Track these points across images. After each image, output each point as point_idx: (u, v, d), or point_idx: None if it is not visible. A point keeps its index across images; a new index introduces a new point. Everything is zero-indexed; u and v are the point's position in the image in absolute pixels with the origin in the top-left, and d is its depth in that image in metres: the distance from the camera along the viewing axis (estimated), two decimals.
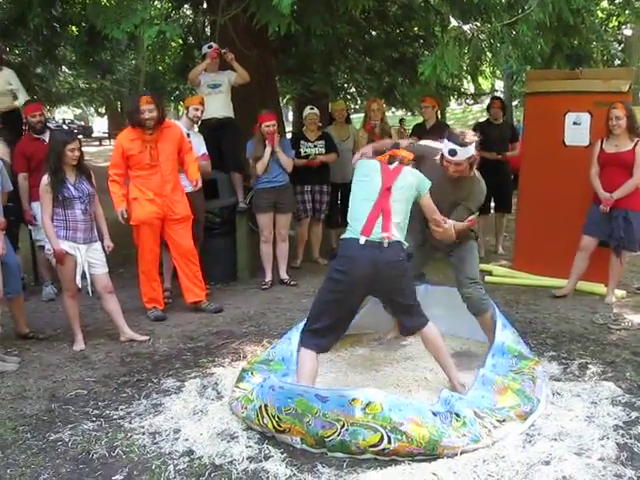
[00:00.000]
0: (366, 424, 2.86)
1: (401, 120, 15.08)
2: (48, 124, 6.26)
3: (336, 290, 3.33)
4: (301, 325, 3.60)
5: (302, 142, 6.43)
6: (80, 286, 4.45)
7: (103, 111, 29.05)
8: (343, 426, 2.88)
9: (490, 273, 6.13)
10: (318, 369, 3.41)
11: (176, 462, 2.92)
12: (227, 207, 6.22)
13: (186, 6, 10.12)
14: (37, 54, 10.13)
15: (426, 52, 8.97)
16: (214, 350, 4.40)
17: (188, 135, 5.50)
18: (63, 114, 33.63)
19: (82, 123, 34.52)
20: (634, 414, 3.25)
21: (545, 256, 5.82)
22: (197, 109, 5.68)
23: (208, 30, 9.23)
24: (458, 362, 3.77)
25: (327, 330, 3.36)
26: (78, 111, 33.24)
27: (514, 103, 21.29)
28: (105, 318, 4.88)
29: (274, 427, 3.03)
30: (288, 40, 7.99)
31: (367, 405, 2.90)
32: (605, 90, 5.49)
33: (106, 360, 4.27)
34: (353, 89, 13.43)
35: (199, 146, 5.71)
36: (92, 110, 29.82)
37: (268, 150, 5.77)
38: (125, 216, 4.98)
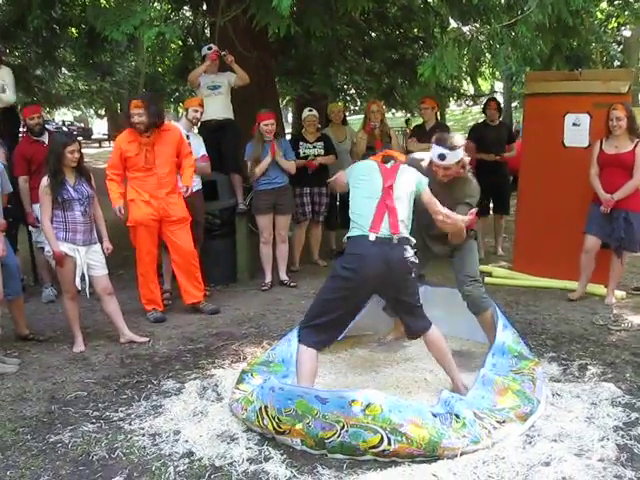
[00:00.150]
0: (366, 425, 2.86)
1: (407, 120, 15.10)
2: (47, 126, 6.25)
3: (343, 288, 3.29)
4: None
5: (301, 143, 6.43)
6: (80, 288, 4.45)
7: (103, 113, 29.03)
8: (343, 427, 2.88)
9: (490, 274, 6.13)
10: (318, 370, 3.41)
11: (176, 464, 2.92)
12: (227, 208, 6.22)
13: (186, 7, 10.15)
14: (37, 56, 10.15)
15: (425, 53, 8.99)
16: (214, 351, 4.40)
17: (187, 137, 5.51)
18: (63, 116, 33.63)
19: (82, 125, 34.54)
20: (634, 415, 3.25)
21: (545, 257, 5.83)
22: (196, 110, 5.67)
23: (208, 32, 9.25)
24: (458, 363, 3.76)
25: (328, 326, 3.32)
26: (78, 113, 33.21)
27: (514, 104, 21.32)
28: (105, 320, 4.88)
29: (274, 428, 3.03)
30: (288, 42, 8.00)
31: (367, 406, 2.89)
32: (604, 91, 5.49)
33: (106, 362, 4.27)
34: (353, 90, 13.44)
35: (199, 148, 5.71)
36: (92, 112, 29.80)
37: (268, 159, 5.79)
38: (122, 212, 4.98)
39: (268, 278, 6.06)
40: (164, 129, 5.07)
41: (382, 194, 3.34)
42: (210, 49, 6.58)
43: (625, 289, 5.54)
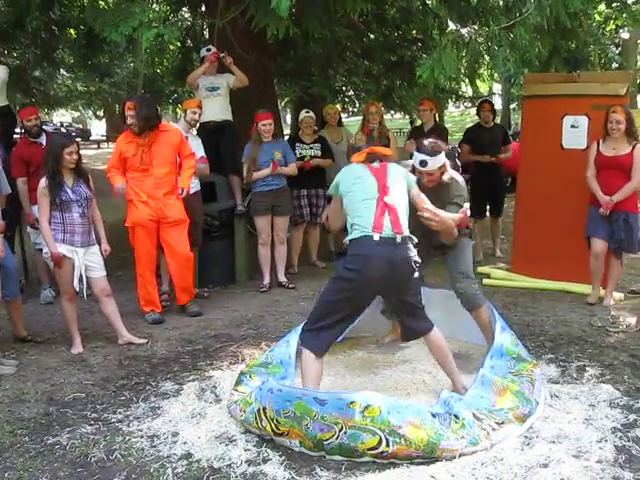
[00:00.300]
0: (364, 427, 2.86)
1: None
2: (44, 127, 6.24)
3: (346, 289, 3.27)
4: (299, 328, 3.59)
5: (298, 144, 6.45)
6: (78, 289, 4.45)
7: (101, 114, 29.03)
8: (341, 429, 2.87)
9: (488, 276, 6.13)
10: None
11: (174, 465, 2.92)
12: (225, 210, 6.23)
13: (184, 9, 10.15)
14: (35, 57, 10.15)
15: (424, 55, 9.00)
16: (212, 353, 4.40)
17: (186, 138, 5.50)
18: (61, 117, 33.68)
19: (80, 126, 34.55)
20: (632, 416, 3.25)
21: (543, 259, 5.83)
22: (195, 112, 5.67)
23: (206, 33, 9.25)
24: (456, 365, 3.76)
25: (331, 327, 3.31)
26: (76, 114, 33.23)
27: (512, 106, 21.38)
28: (103, 321, 4.87)
29: (272, 430, 3.03)
30: (286, 43, 8.00)
31: (365, 408, 2.89)
32: (602, 93, 5.50)
33: (104, 363, 4.27)
34: (351, 92, 13.45)
35: (197, 149, 5.71)
36: (90, 113, 29.77)
37: (267, 171, 5.83)
38: (125, 189, 4.99)
39: (266, 279, 6.06)
40: (162, 130, 5.07)
41: (379, 194, 3.34)
42: (209, 50, 6.58)
43: (623, 291, 5.55)
